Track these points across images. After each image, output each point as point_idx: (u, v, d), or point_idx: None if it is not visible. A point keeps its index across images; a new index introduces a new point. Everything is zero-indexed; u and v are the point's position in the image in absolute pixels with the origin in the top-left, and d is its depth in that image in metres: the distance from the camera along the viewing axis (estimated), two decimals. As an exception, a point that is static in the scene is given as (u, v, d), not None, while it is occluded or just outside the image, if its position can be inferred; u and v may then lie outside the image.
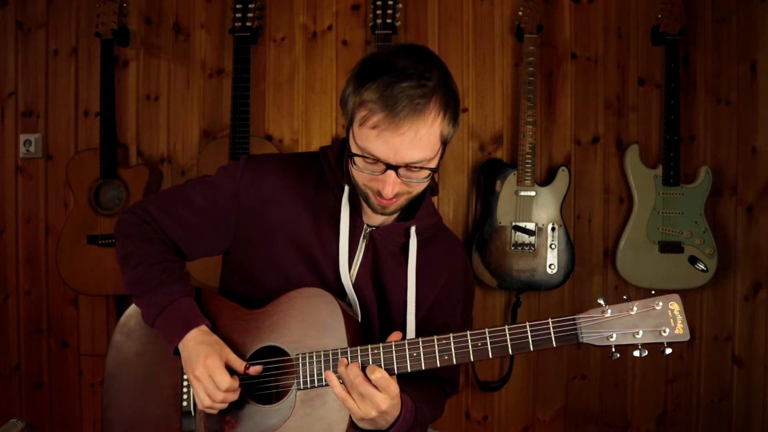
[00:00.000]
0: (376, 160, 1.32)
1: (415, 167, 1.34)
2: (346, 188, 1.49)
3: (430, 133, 1.31)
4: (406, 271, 1.51)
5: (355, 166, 1.38)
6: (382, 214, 1.45)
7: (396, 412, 1.36)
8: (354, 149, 1.35)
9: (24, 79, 2.95)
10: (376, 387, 1.31)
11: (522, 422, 2.92)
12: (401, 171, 1.33)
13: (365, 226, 1.51)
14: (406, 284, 1.51)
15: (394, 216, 1.54)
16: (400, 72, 1.30)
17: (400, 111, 1.27)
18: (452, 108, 1.35)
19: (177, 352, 1.45)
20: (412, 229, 1.52)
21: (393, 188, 1.34)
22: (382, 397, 1.31)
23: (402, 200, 1.42)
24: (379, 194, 1.38)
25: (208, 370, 1.36)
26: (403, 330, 1.50)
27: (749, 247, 2.85)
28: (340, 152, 1.53)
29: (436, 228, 1.58)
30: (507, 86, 2.88)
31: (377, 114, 1.29)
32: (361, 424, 1.37)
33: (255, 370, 1.41)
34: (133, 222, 1.56)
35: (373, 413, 1.32)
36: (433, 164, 1.37)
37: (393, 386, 1.32)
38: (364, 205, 1.48)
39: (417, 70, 1.31)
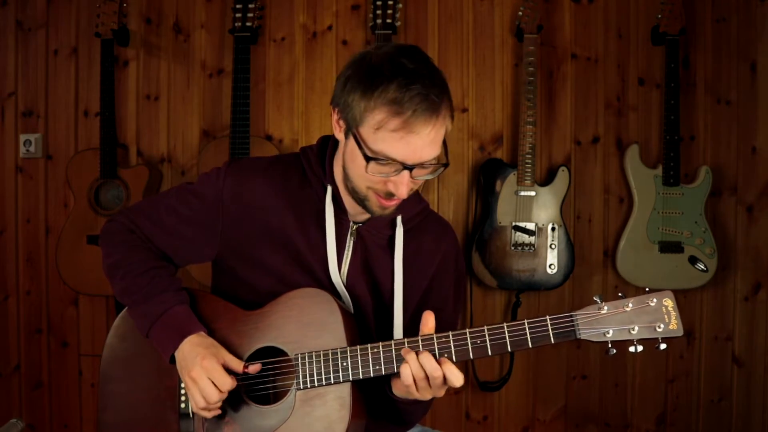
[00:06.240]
0: (393, 162, 1.33)
1: (428, 164, 1.36)
2: (329, 188, 1.49)
3: (443, 131, 1.36)
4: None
5: (366, 173, 1.36)
6: (380, 216, 1.45)
7: None
8: (369, 153, 1.34)
9: (24, 79, 2.95)
10: (446, 378, 1.32)
11: (522, 422, 2.92)
12: (414, 170, 1.35)
13: (351, 223, 1.51)
14: (401, 281, 1.51)
15: None
16: (411, 73, 1.31)
17: (421, 113, 1.29)
18: (452, 102, 1.39)
19: (173, 361, 1.44)
20: (398, 219, 1.52)
21: (407, 188, 1.36)
22: (444, 388, 1.34)
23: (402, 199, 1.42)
24: (386, 195, 1.38)
25: (206, 372, 1.36)
26: (392, 321, 1.50)
27: (749, 247, 2.85)
28: (320, 152, 1.53)
29: (423, 215, 1.58)
30: (507, 86, 2.88)
31: (397, 117, 1.29)
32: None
33: (254, 368, 1.40)
34: (117, 231, 1.55)
35: (428, 397, 1.35)
36: (442, 159, 1.39)
37: (461, 379, 1.33)
38: (348, 203, 1.49)
39: (426, 70, 1.33)
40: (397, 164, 1.33)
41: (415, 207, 1.56)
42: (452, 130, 2.90)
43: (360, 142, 1.35)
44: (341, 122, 1.40)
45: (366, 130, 1.33)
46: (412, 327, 1.47)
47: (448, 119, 1.36)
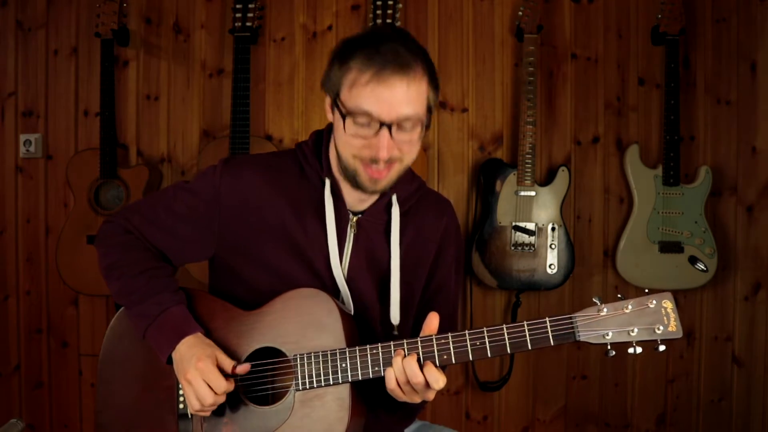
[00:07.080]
0: (369, 120, 1.34)
1: (407, 125, 1.36)
2: (327, 181, 1.49)
3: (419, 90, 1.37)
4: (396, 244, 1.51)
5: (346, 134, 1.38)
6: (373, 191, 1.44)
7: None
8: (346, 111, 1.37)
9: (24, 79, 2.95)
10: (428, 382, 1.31)
11: (522, 422, 2.92)
12: (394, 131, 1.35)
13: (351, 215, 1.50)
14: (397, 259, 1.51)
15: (376, 197, 1.53)
16: (385, 36, 1.39)
17: (389, 65, 1.33)
18: (434, 74, 1.41)
19: (170, 362, 1.43)
20: (394, 198, 1.51)
21: (389, 150, 1.36)
22: (432, 391, 1.33)
23: (393, 171, 1.42)
24: (371, 162, 1.38)
25: (201, 373, 1.35)
26: (389, 303, 1.49)
27: (749, 247, 2.85)
28: (315, 146, 1.53)
29: (420, 193, 1.57)
30: (507, 86, 2.88)
31: (367, 71, 1.34)
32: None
33: (242, 369, 1.39)
34: (113, 232, 1.55)
35: (418, 400, 1.36)
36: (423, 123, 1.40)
37: (442, 383, 1.32)
38: (346, 192, 1.49)
39: (400, 36, 1.40)
40: (374, 122, 1.34)
41: (410, 185, 1.55)
42: (452, 130, 2.91)
43: (339, 105, 1.38)
44: (327, 99, 1.44)
45: (344, 93, 1.38)
46: (421, 318, 1.47)
47: (425, 83, 1.38)
